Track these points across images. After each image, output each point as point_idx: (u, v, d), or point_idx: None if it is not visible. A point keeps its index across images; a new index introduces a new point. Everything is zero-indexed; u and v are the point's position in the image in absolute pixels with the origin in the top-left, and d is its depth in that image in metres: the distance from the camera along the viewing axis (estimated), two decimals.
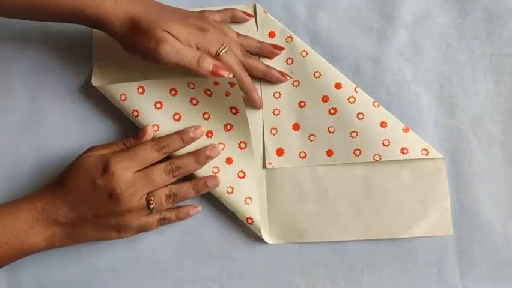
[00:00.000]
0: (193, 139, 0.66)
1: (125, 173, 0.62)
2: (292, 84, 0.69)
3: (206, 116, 0.68)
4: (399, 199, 0.67)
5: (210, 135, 0.68)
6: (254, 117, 0.69)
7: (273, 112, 0.69)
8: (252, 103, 0.69)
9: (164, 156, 0.65)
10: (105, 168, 0.61)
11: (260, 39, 0.71)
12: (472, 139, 0.68)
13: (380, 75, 0.70)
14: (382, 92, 0.69)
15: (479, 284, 0.66)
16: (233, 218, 0.68)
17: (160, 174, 0.63)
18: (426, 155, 0.66)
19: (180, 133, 0.66)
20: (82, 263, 0.68)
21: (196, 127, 0.66)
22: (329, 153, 0.67)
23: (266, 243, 0.68)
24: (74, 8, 0.62)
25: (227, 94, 0.65)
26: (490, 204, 0.67)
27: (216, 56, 0.64)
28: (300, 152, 0.68)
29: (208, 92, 0.66)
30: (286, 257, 0.68)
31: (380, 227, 0.67)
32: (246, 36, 0.69)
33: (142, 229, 0.64)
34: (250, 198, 0.67)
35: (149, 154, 0.64)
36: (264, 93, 0.70)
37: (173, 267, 0.68)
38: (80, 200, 0.62)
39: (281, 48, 0.70)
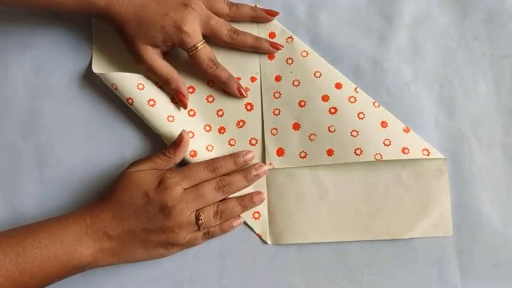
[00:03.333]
0: (245, 162, 0.68)
1: (178, 188, 0.62)
2: (292, 84, 0.69)
3: (220, 113, 0.70)
4: (400, 200, 0.67)
5: (222, 131, 0.69)
6: (254, 118, 0.69)
7: (273, 112, 0.69)
8: (233, 95, 0.70)
9: (216, 176, 0.66)
10: (160, 183, 0.62)
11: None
12: (472, 140, 0.68)
13: (380, 76, 0.70)
14: (382, 93, 0.69)
15: (479, 285, 0.67)
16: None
17: (211, 191, 0.64)
18: (428, 155, 0.66)
19: (233, 156, 0.67)
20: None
21: (248, 152, 0.68)
22: (330, 152, 0.67)
23: (266, 243, 0.68)
24: None
25: (246, 90, 0.69)
26: (490, 205, 0.67)
27: (189, 54, 0.67)
28: (301, 152, 0.68)
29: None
30: (286, 257, 0.68)
31: (381, 228, 0.67)
32: (238, 6, 0.70)
33: (189, 245, 0.65)
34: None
35: (202, 173, 0.65)
36: (264, 93, 0.70)
37: (173, 267, 0.68)
38: (131, 213, 0.62)
39: (275, 13, 0.71)
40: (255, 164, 0.68)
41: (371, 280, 0.67)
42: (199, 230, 0.64)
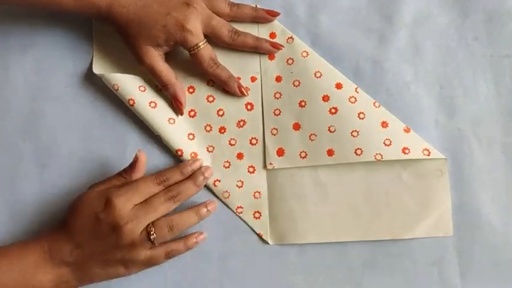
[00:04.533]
0: (192, 171, 0.66)
1: (127, 205, 0.61)
2: (293, 84, 0.69)
3: (220, 112, 0.70)
4: (400, 200, 0.67)
5: (222, 131, 0.70)
6: (255, 118, 0.70)
7: (274, 112, 0.69)
8: (234, 94, 0.70)
9: (164, 188, 0.65)
10: (107, 202, 0.61)
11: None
12: (472, 140, 0.69)
13: (380, 76, 0.70)
14: (382, 93, 0.69)
15: (480, 285, 0.67)
16: (234, 219, 0.69)
17: (161, 203, 0.63)
18: (428, 155, 0.67)
19: (180, 167, 0.66)
20: None
21: (194, 161, 0.67)
22: (330, 152, 0.67)
23: (267, 244, 0.68)
24: None
25: (246, 89, 0.69)
26: (490, 205, 0.67)
27: (190, 53, 0.67)
28: (301, 152, 0.68)
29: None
30: (286, 257, 0.68)
31: (381, 228, 0.67)
32: (239, 7, 0.70)
33: (150, 263, 0.63)
34: (259, 193, 0.69)
35: (150, 187, 0.63)
36: (264, 93, 0.70)
37: (173, 268, 0.68)
38: (85, 237, 0.61)
39: (276, 14, 0.71)
40: (201, 168, 0.67)
41: (371, 280, 0.67)
42: (154, 246, 0.62)
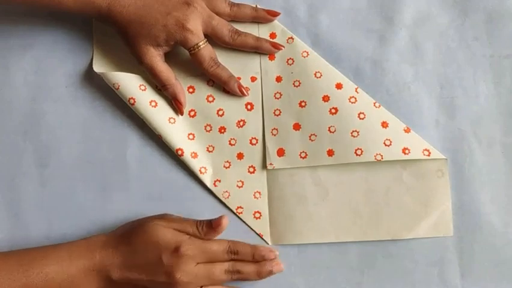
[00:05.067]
0: (264, 259, 0.65)
1: (191, 261, 0.61)
2: (293, 84, 0.69)
3: (220, 112, 0.70)
4: (400, 200, 0.67)
5: (222, 131, 0.69)
6: (255, 118, 0.70)
7: (274, 112, 0.69)
8: (234, 93, 0.70)
9: (230, 260, 0.65)
10: (176, 249, 0.61)
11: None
12: (472, 140, 0.69)
13: (381, 77, 0.70)
14: (382, 93, 0.69)
15: (480, 285, 0.67)
16: (234, 219, 0.69)
17: (221, 273, 0.63)
18: (428, 155, 0.67)
19: (254, 249, 0.65)
20: None
21: (271, 250, 0.66)
22: (330, 153, 0.67)
23: (267, 244, 0.68)
24: None
25: (247, 89, 0.69)
26: (491, 205, 0.67)
27: (191, 53, 0.67)
28: (301, 152, 0.68)
29: (227, 90, 0.70)
30: (286, 258, 0.68)
31: (381, 228, 0.67)
32: (239, 7, 0.70)
33: None
34: (259, 193, 0.69)
35: (220, 254, 0.64)
36: (264, 93, 0.70)
37: None
38: (139, 266, 0.61)
39: (276, 14, 0.71)
40: (272, 261, 0.66)
41: (371, 281, 0.67)
42: None
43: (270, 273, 0.65)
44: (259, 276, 0.65)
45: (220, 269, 0.63)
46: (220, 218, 0.64)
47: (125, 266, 0.61)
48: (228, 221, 0.64)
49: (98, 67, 0.70)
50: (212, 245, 0.63)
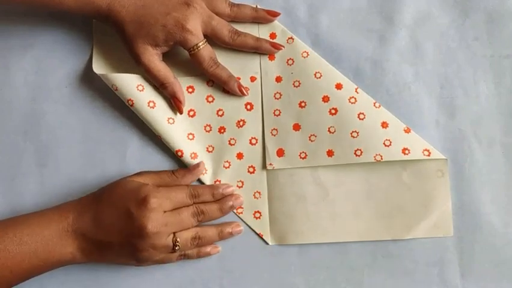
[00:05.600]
0: (222, 196, 0.68)
1: (159, 210, 0.62)
2: (293, 84, 0.69)
3: (220, 112, 0.70)
4: (400, 200, 0.67)
5: (222, 131, 0.70)
6: (254, 118, 0.70)
7: (274, 113, 0.69)
8: (234, 93, 0.70)
9: (194, 203, 0.66)
10: (143, 201, 0.62)
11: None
12: (472, 140, 0.69)
13: (381, 77, 0.70)
14: (383, 93, 0.69)
15: (480, 285, 0.67)
16: (234, 219, 0.69)
17: (188, 217, 0.64)
18: (428, 155, 0.66)
19: (212, 188, 0.68)
20: (83, 265, 0.67)
21: (227, 186, 0.69)
22: (330, 153, 0.67)
23: (267, 244, 0.68)
24: None
25: (246, 89, 0.69)
26: (491, 205, 0.67)
27: (190, 53, 0.67)
28: (301, 153, 0.68)
29: (226, 90, 0.70)
30: (286, 258, 0.68)
31: (381, 228, 0.67)
32: (239, 7, 0.70)
33: (162, 262, 0.65)
34: (259, 193, 0.69)
35: (183, 199, 0.65)
36: (264, 94, 0.70)
37: (174, 268, 0.68)
38: (111, 223, 0.62)
39: (276, 14, 0.71)
40: (231, 196, 0.68)
41: (371, 281, 0.67)
42: (174, 252, 0.64)
43: (232, 207, 0.68)
44: (222, 212, 0.68)
45: (186, 214, 0.65)
46: (197, 164, 0.68)
47: (98, 226, 0.62)
48: (205, 168, 0.68)
49: (98, 68, 0.70)
50: (176, 191, 0.65)
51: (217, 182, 0.69)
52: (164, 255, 0.64)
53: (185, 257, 0.66)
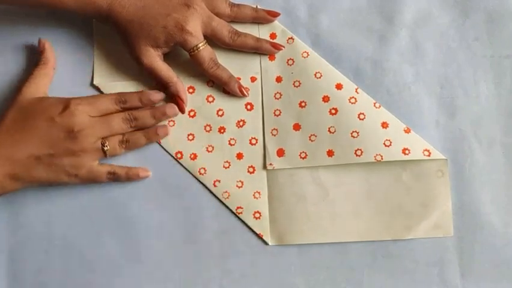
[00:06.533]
0: (151, 102, 0.68)
1: (84, 114, 0.64)
2: (293, 84, 0.69)
3: (220, 112, 0.70)
4: (400, 200, 0.67)
5: (222, 131, 0.70)
6: (254, 118, 0.70)
7: (274, 113, 0.69)
8: (234, 94, 0.70)
9: (122, 110, 0.67)
10: (65, 108, 0.63)
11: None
12: (472, 140, 0.69)
13: (381, 77, 0.70)
14: (383, 93, 0.69)
15: (480, 285, 0.67)
16: (233, 219, 0.69)
17: (118, 122, 0.66)
18: (429, 155, 0.66)
19: (140, 94, 0.68)
20: (83, 264, 0.68)
21: (156, 92, 0.69)
22: (330, 153, 0.67)
23: (267, 244, 0.68)
24: None
25: (247, 90, 0.69)
26: (491, 206, 0.67)
27: (190, 54, 0.67)
28: (301, 153, 0.68)
29: (226, 90, 0.70)
30: (286, 258, 0.68)
31: (381, 229, 0.67)
32: (239, 7, 0.70)
33: (91, 177, 0.65)
34: (259, 193, 0.69)
35: (108, 104, 0.66)
36: (264, 94, 0.70)
37: (174, 268, 0.68)
38: (34, 137, 0.62)
39: (276, 14, 0.71)
40: (167, 104, 0.69)
41: (371, 281, 0.67)
42: (104, 157, 0.65)
43: (165, 114, 0.69)
44: (156, 118, 0.68)
45: (116, 118, 0.66)
46: (38, 42, 0.69)
47: (21, 144, 0.62)
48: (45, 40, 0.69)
49: (99, 75, 0.71)
50: (100, 98, 0.66)
51: (217, 182, 0.69)
52: (94, 165, 0.65)
53: (114, 176, 0.66)
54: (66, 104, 0.64)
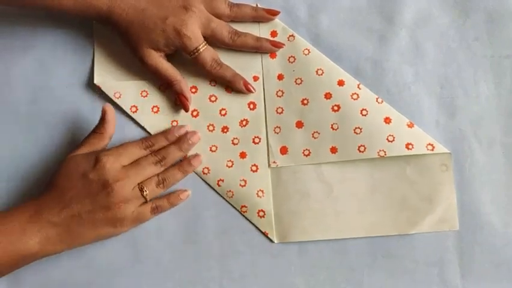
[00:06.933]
0: (177, 138, 0.68)
1: (116, 164, 0.63)
2: (295, 82, 0.69)
3: (223, 112, 0.70)
4: (405, 195, 0.67)
5: (225, 130, 0.70)
6: (257, 118, 0.69)
7: (276, 111, 0.69)
8: (241, 92, 0.70)
9: (150, 153, 0.67)
10: (96, 162, 0.62)
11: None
12: (472, 140, 0.69)
13: (381, 77, 0.70)
14: (383, 93, 0.69)
15: (480, 285, 0.67)
16: (234, 219, 0.69)
17: (149, 165, 0.65)
18: (432, 150, 0.66)
19: (165, 133, 0.68)
20: (83, 265, 0.67)
21: (180, 127, 0.69)
22: (333, 150, 0.67)
23: (267, 243, 0.68)
24: None
25: (252, 85, 0.69)
26: (491, 205, 0.67)
27: (192, 56, 0.67)
28: (304, 150, 0.68)
29: (229, 89, 0.70)
30: (286, 258, 0.68)
31: (386, 224, 0.67)
32: (239, 7, 0.70)
33: (137, 220, 0.65)
34: (263, 191, 0.68)
35: (136, 150, 0.66)
36: (266, 92, 0.70)
37: (174, 268, 0.68)
38: (73, 197, 0.62)
39: (276, 13, 0.71)
40: (188, 133, 0.68)
41: (371, 281, 0.67)
42: (145, 202, 0.65)
43: (190, 145, 0.68)
44: (182, 150, 0.67)
45: (146, 163, 0.65)
46: (102, 109, 0.66)
47: (61, 205, 0.61)
48: (112, 107, 0.67)
49: (100, 75, 0.71)
50: (126, 145, 0.66)
51: (221, 181, 0.69)
52: (137, 210, 0.64)
53: (158, 209, 0.66)
54: (96, 158, 0.63)
